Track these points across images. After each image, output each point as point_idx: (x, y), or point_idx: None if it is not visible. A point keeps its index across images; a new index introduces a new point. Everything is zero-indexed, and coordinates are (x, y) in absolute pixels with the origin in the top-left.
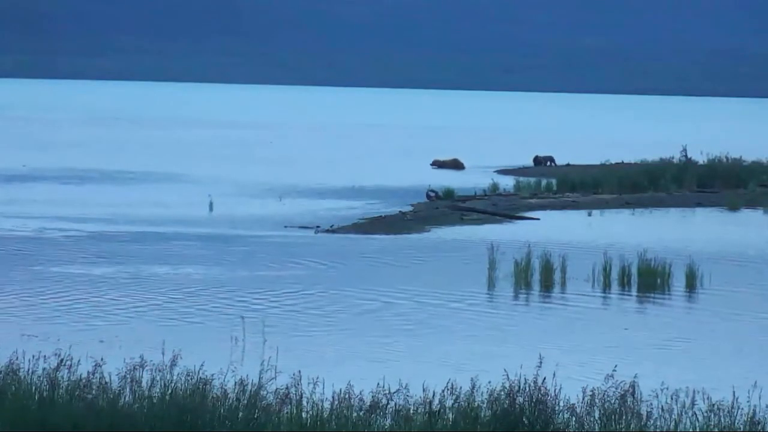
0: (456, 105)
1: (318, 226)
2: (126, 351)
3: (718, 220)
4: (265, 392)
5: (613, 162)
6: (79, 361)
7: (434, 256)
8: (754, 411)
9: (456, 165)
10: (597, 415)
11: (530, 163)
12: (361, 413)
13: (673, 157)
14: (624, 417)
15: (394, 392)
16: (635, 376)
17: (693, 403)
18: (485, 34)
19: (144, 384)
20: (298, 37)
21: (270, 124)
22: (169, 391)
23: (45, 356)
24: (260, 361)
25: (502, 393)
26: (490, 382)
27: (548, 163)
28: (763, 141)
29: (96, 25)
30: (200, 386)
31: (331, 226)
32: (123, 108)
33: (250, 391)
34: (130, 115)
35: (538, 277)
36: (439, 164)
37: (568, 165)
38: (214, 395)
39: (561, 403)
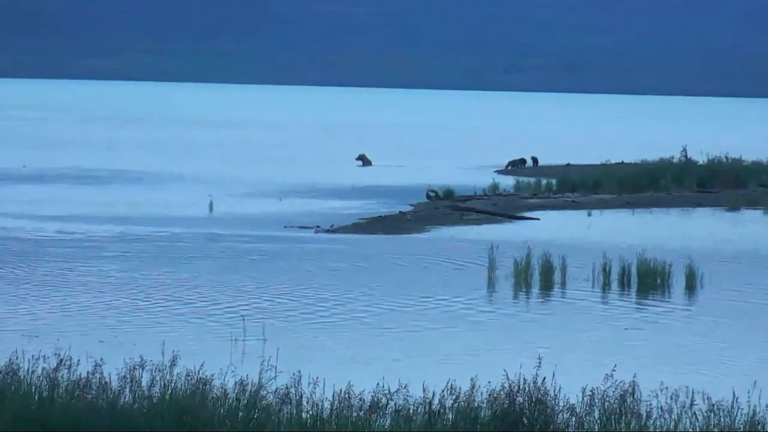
0: (456, 105)
1: (318, 226)
2: (126, 351)
3: (718, 220)
4: (265, 392)
5: (613, 162)
6: (78, 361)
7: (434, 256)
8: (754, 411)
9: (365, 160)
10: (597, 415)
11: (530, 162)
12: (361, 413)
13: (673, 157)
14: (624, 417)
15: (394, 392)
16: (635, 376)
17: (693, 403)
18: (485, 34)
19: (144, 384)
20: (298, 37)
21: (270, 123)
22: (169, 391)
23: (45, 356)
24: (260, 361)
25: (502, 393)
26: (489, 382)
27: (521, 165)
28: (763, 141)
29: (96, 25)
30: (200, 386)
31: (331, 226)
32: (123, 108)
33: (250, 391)
34: (130, 115)
35: (538, 277)
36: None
37: (568, 165)
38: (214, 395)
39: (561, 403)
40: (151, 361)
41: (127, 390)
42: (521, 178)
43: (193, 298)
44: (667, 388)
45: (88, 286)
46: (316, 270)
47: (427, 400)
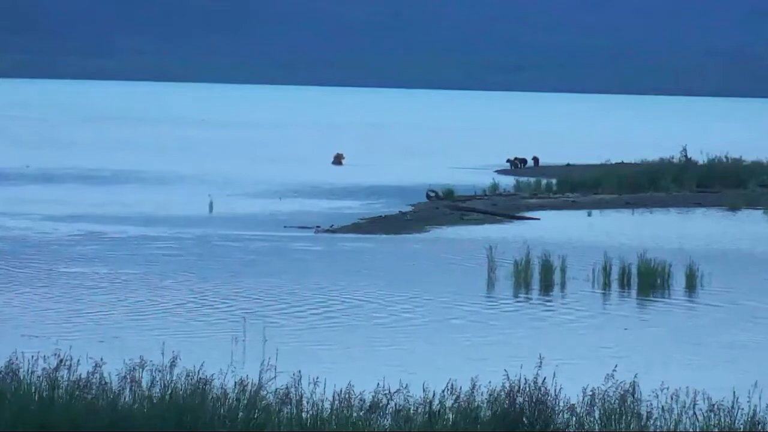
0: (456, 105)
1: (318, 226)
2: (126, 351)
3: (718, 220)
4: (265, 392)
5: (613, 162)
6: (78, 361)
7: (434, 256)
8: (754, 411)
9: (338, 160)
10: (597, 415)
11: (531, 162)
12: (361, 413)
13: (673, 157)
14: (624, 417)
15: (394, 392)
16: (635, 376)
17: (693, 403)
18: (485, 34)
19: (144, 384)
20: (298, 37)
21: (270, 123)
22: (169, 391)
23: (45, 356)
24: (260, 361)
25: (502, 393)
26: (490, 382)
27: (522, 165)
28: (763, 141)
29: (96, 25)
30: (200, 386)
31: (331, 226)
32: (123, 108)
33: (250, 391)
34: (130, 115)
35: (538, 277)
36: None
37: (568, 165)
38: (214, 395)
39: (561, 403)
40: (151, 361)
41: (127, 390)
42: (521, 178)
43: (193, 298)
44: (667, 388)
45: (88, 286)
46: (316, 270)
47: (427, 400)
